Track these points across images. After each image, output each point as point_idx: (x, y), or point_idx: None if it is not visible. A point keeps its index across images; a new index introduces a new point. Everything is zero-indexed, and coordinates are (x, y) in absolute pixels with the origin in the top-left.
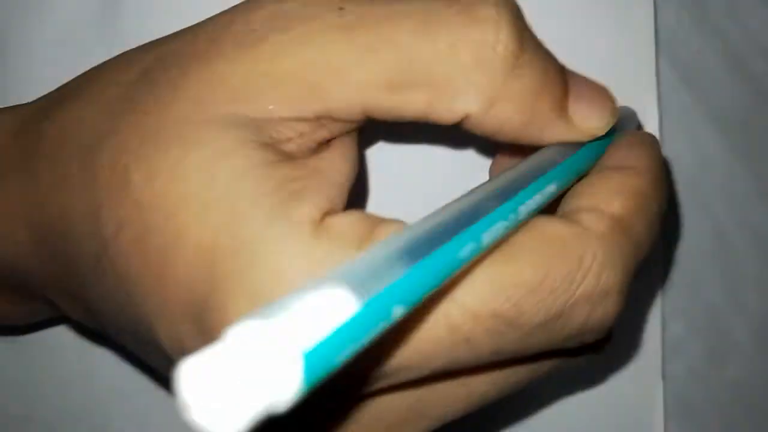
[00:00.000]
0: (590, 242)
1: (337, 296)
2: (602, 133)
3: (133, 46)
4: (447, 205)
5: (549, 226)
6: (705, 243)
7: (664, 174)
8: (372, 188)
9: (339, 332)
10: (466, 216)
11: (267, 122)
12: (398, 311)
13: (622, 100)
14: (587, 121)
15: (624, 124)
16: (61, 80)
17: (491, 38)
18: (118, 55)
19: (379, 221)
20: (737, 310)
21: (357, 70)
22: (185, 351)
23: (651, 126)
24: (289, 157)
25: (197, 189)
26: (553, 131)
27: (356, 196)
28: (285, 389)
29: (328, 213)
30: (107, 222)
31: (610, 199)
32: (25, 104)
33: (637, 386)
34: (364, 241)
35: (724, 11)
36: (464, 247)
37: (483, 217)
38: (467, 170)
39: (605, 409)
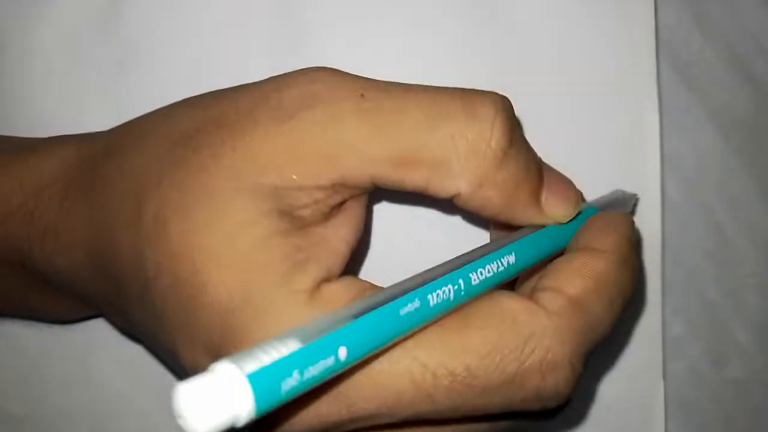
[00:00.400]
0: (541, 319)
1: (286, 342)
2: (566, 220)
3: (134, 47)
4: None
5: (505, 300)
6: (705, 243)
7: (631, 254)
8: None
9: (278, 363)
10: (416, 281)
11: (288, 190)
12: (343, 353)
13: (622, 100)
14: (555, 209)
15: (616, 206)
16: (62, 81)
17: (486, 135)
18: (169, 109)
19: (365, 288)
20: (737, 309)
21: (369, 148)
22: None
23: (651, 126)
24: (301, 225)
25: (222, 252)
26: (527, 215)
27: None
28: (241, 406)
29: (324, 281)
30: (148, 265)
31: (569, 280)
32: (89, 137)
33: (637, 386)
34: None
35: (724, 11)
36: (407, 306)
37: (430, 282)
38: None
39: (606, 408)
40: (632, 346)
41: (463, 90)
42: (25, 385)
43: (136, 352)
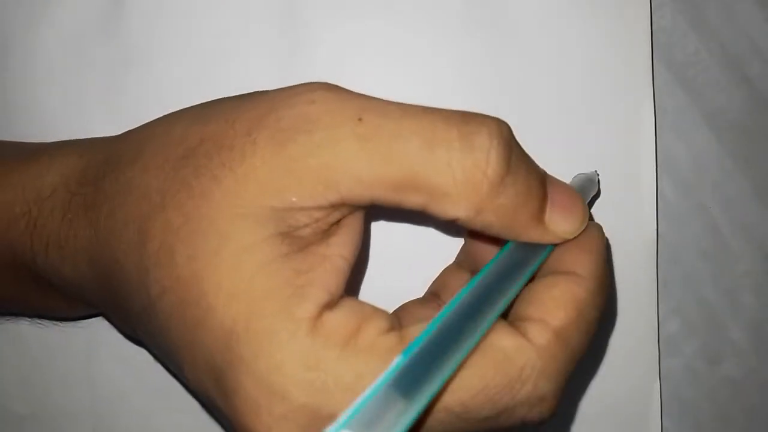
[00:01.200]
0: (530, 356)
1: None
2: (573, 236)
3: (137, 49)
4: (425, 340)
5: (497, 338)
6: (700, 242)
7: (607, 277)
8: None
9: None
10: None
11: (288, 211)
12: None
13: (617, 101)
14: (560, 227)
15: (585, 192)
16: (65, 82)
17: (482, 164)
18: (168, 122)
19: (367, 316)
20: (732, 308)
21: (367, 172)
22: (207, 397)
23: (646, 126)
24: (301, 246)
25: (226, 279)
26: (530, 235)
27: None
28: None
29: (326, 306)
30: (153, 284)
31: (554, 311)
32: (90, 146)
33: (633, 384)
34: (350, 340)
35: (719, 13)
36: (442, 377)
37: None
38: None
39: (602, 406)
40: (628, 345)
41: (462, 115)
42: (28, 385)
43: (138, 351)
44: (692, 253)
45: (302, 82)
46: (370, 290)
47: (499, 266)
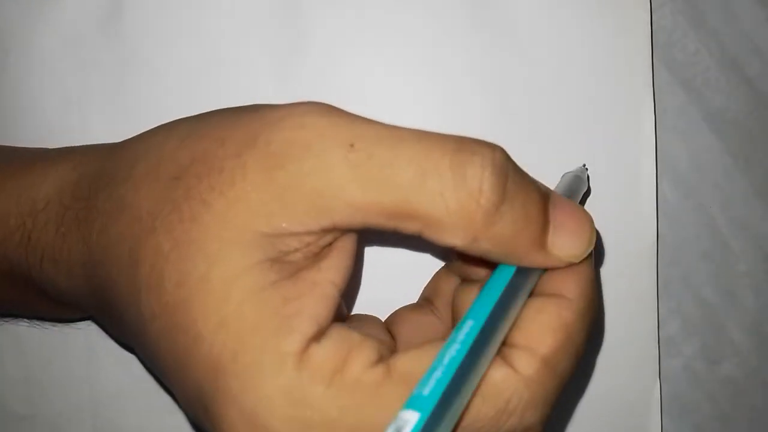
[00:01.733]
0: (518, 386)
1: None
2: (579, 260)
3: (136, 50)
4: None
5: (486, 372)
6: (700, 242)
7: (595, 297)
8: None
9: None
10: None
11: (278, 237)
12: None
13: (617, 101)
14: (565, 251)
15: (575, 189)
16: (65, 83)
17: (475, 194)
18: (161, 137)
19: (354, 347)
20: (732, 308)
21: (360, 200)
22: (197, 418)
23: (646, 126)
24: (291, 271)
25: (214, 307)
26: (531, 260)
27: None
28: None
29: (313, 338)
30: (145, 308)
31: (542, 338)
32: (82, 157)
33: (633, 384)
34: (336, 374)
35: (719, 13)
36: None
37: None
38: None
39: (602, 407)
40: (628, 345)
41: (456, 143)
42: (28, 385)
43: None
44: (692, 254)
45: (301, 80)
46: (364, 294)
47: (496, 297)
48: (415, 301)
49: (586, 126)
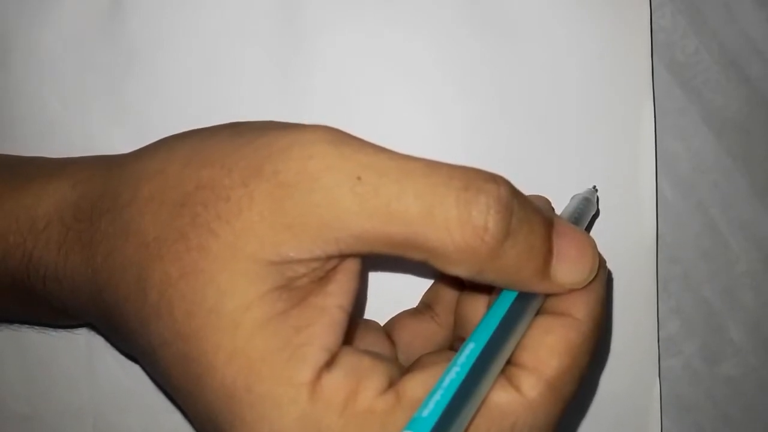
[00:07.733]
0: (523, 410)
1: None
2: (581, 287)
3: (136, 49)
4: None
5: (491, 392)
6: (700, 242)
7: (603, 317)
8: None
9: None
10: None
11: (285, 264)
12: None
13: (617, 101)
14: (566, 279)
15: (584, 211)
16: (66, 83)
17: (480, 231)
18: (163, 154)
19: (365, 373)
20: (732, 308)
21: (366, 231)
22: None
23: (646, 126)
24: (300, 298)
25: (224, 337)
26: (535, 288)
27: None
28: None
29: (325, 366)
30: (154, 336)
31: (548, 360)
32: (82, 173)
33: (633, 384)
34: (349, 403)
35: (719, 13)
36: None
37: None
38: None
39: (602, 406)
40: (628, 345)
41: (462, 176)
42: (30, 385)
43: None
44: (692, 253)
45: (301, 80)
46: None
47: (498, 320)
48: (414, 306)
49: (585, 126)
